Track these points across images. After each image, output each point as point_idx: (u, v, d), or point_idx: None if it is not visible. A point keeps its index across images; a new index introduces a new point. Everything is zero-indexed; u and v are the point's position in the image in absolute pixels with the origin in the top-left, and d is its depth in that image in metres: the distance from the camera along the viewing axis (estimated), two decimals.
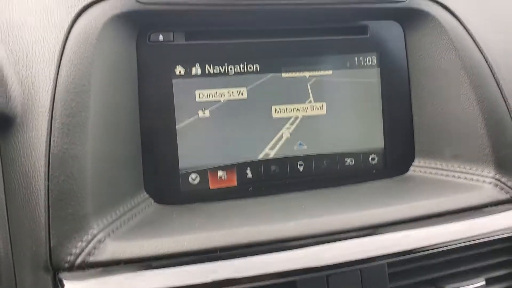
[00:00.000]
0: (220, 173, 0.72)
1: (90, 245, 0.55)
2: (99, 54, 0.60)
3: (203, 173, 0.71)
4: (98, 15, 0.61)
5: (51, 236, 0.54)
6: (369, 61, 0.77)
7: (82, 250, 0.55)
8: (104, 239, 0.56)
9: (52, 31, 0.59)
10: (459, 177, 0.74)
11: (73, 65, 0.58)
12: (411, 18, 0.76)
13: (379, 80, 0.78)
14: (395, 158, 0.78)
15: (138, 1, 0.63)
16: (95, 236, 0.55)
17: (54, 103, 0.56)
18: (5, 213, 0.57)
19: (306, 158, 0.75)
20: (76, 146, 0.56)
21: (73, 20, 0.60)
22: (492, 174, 0.72)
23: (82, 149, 0.56)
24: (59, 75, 0.57)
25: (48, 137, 0.55)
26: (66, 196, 0.55)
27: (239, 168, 0.72)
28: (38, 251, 0.54)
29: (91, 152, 0.57)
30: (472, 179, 0.73)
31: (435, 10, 0.75)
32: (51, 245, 0.54)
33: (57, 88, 0.57)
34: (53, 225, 0.54)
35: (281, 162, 0.74)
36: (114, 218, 0.59)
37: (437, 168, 0.76)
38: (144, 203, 0.65)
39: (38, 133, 0.55)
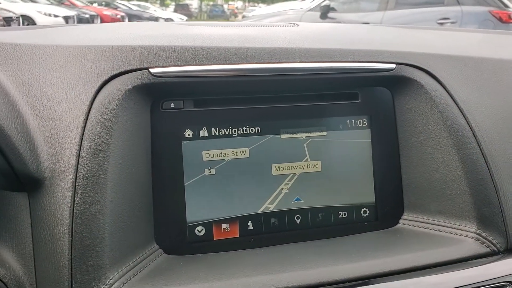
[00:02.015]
0: (223, 225, 0.79)
1: None
2: (117, 123, 0.69)
3: (208, 226, 0.78)
4: (117, 88, 0.70)
5: (73, 285, 0.61)
6: (360, 123, 0.85)
7: None
8: None
9: (77, 104, 0.68)
10: (444, 231, 0.80)
11: (95, 134, 0.66)
12: (399, 84, 0.84)
13: (370, 140, 0.85)
14: (385, 211, 0.85)
15: (152, 75, 0.72)
16: (112, 285, 0.63)
17: (78, 167, 0.65)
18: (33, 264, 0.65)
19: (302, 212, 0.82)
20: (96, 205, 0.64)
21: (95, 93, 0.69)
22: (474, 229, 0.78)
23: (101, 208, 0.65)
24: (82, 143, 0.66)
25: (72, 197, 0.64)
26: (87, 250, 0.63)
27: (241, 220, 0.80)
28: None
29: (109, 210, 0.65)
30: (455, 233, 0.79)
31: (420, 77, 0.83)
32: None
33: (81, 154, 0.65)
34: (76, 275, 0.62)
35: (280, 215, 0.81)
36: (128, 268, 0.67)
37: (423, 222, 0.83)
38: (155, 254, 0.73)
39: (63, 194, 0.64)
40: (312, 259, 0.73)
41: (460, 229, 0.79)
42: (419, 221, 0.83)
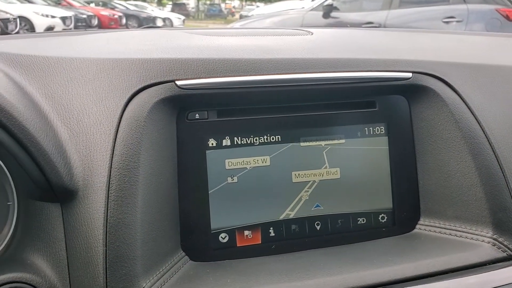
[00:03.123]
0: (246, 232, 0.81)
1: None
2: (146, 134, 0.70)
3: (231, 232, 0.80)
4: (145, 100, 0.72)
5: None
6: (378, 130, 0.87)
7: None
8: None
9: (107, 116, 0.70)
10: (460, 236, 0.83)
11: (125, 146, 0.68)
12: (415, 93, 0.86)
13: (388, 147, 0.87)
14: (402, 217, 0.87)
15: (179, 87, 0.74)
16: None
17: (111, 179, 0.66)
18: (67, 273, 0.67)
19: (322, 218, 0.84)
20: (128, 215, 0.66)
21: (124, 106, 0.71)
22: (490, 234, 0.80)
23: (133, 218, 0.67)
24: (114, 154, 0.68)
25: (106, 208, 0.65)
26: (121, 259, 0.65)
27: (263, 227, 0.81)
28: None
29: (140, 220, 0.67)
30: (472, 238, 0.82)
31: (437, 86, 0.85)
32: None
33: (113, 165, 0.67)
34: (110, 284, 0.64)
35: (300, 221, 0.83)
36: (159, 276, 0.69)
37: (440, 227, 0.85)
38: (181, 261, 0.75)
39: (97, 205, 0.66)
40: (335, 265, 0.75)
41: (476, 234, 0.81)
42: (436, 226, 0.85)
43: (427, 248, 0.81)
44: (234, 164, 0.80)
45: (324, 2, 6.43)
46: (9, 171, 0.70)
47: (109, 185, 0.66)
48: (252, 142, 0.81)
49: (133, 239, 0.66)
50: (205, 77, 0.76)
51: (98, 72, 0.75)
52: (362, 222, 0.86)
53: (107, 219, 0.65)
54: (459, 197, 0.83)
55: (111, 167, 0.67)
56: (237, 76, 0.77)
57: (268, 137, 0.82)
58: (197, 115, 0.79)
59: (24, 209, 0.70)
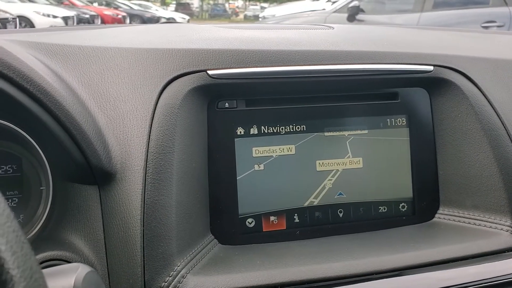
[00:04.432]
0: (272, 218, 0.83)
1: (176, 280, 0.67)
2: (180, 121, 0.73)
3: (257, 218, 0.83)
4: (178, 89, 0.75)
5: (145, 271, 0.66)
6: (399, 122, 0.89)
7: (170, 284, 0.67)
8: (186, 275, 0.68)
9: (143, 103, 0.73)
10: (479, 225, 0.85)
11: (161, 131, 0.71)
12: (436, 86, 0.89)
13: (408, 138, 0.89)
14: (422, 206, 0.89)
15: (210, 76, 0.77)
16: (179, 272, 0.68)
17: (147, 162, 0.69)
18: (104, 251, 0.69)
19: (345, 206, 0.86)
20: (164, 197, 0.69)
21: (159, 93, 0.74)
22: (508, 222, 0.83)
23: (169, 199, 0.69)
24: (150, 139, 0.70)
25: (143, 190, 0.68)
26: (157, 239, 0.67)
27: (288, 213, 0.84)
28: (134, 284, 0.66)
29: (175, 202, 0.70)
30: (490, 227, 0.84)
31: (457, 79, 0.88)
32: (145, 279, 0.66)
33: (149, 150, 0.70)
34: (147, 262, 0.66)
35: (324, 209, 0.85)
36: (191, 256, 0.71)
37: (459, 216, 0.87)
38: (211, 244, 0.77)
39: (134, 186, 0.68)
40: (359, 250, 0.78)
41: (495, 223, 0.84)
42: (455, 216, 0.88)
43: (447, 236, 0.84)
44: (261, 152, 0.83)
45: (348, 3, 5.92)
46: (45, 156, 0.73)
47: (146, 168, 0.69)
48: (278, 131, 0.84)
49: (169, 219, 0.69)
50: (235, 67, 0.79)
51: (133, 61, 0.77)
52: (383, 211, 0.88)
53: (144, 200, 0.68)
54: (478, 187, 0.85)
55: (147, 151, 0.70)
56: (265, 66, 0.80)
57: (294, 127, 0.85)
58: (226, 104, 0.81)
59: (61, 192, 0.73)
